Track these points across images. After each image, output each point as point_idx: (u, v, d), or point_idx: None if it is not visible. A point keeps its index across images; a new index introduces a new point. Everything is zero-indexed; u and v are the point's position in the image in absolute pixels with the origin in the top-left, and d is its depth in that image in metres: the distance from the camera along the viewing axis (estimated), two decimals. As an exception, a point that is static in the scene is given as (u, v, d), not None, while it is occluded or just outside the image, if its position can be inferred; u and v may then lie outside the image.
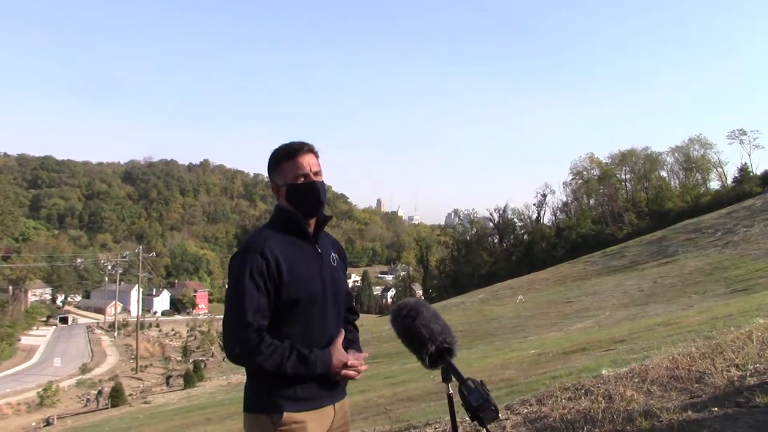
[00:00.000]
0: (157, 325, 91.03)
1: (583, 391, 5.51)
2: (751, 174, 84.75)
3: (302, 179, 2.62)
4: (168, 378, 47.70)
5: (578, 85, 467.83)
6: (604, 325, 23.41)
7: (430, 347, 2.15)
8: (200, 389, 37.02)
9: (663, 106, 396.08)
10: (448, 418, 5.99)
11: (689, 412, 4.16)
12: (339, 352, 2.55)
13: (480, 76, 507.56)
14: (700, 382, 5.00)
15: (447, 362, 2.13)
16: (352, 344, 2.71)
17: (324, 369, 2.49)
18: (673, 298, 30.18)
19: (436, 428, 5.66)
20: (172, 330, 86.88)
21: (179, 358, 60.43)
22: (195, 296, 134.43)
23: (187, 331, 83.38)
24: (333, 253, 2.74)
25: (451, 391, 2.13)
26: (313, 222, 2.67)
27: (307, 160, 2.63)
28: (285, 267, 2.48)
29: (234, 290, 2.47)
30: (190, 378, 41.60)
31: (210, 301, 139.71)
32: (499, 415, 2.04)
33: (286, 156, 2.64)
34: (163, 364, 58.07)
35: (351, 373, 2.57)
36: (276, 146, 2.69)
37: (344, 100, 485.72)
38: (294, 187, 2.62)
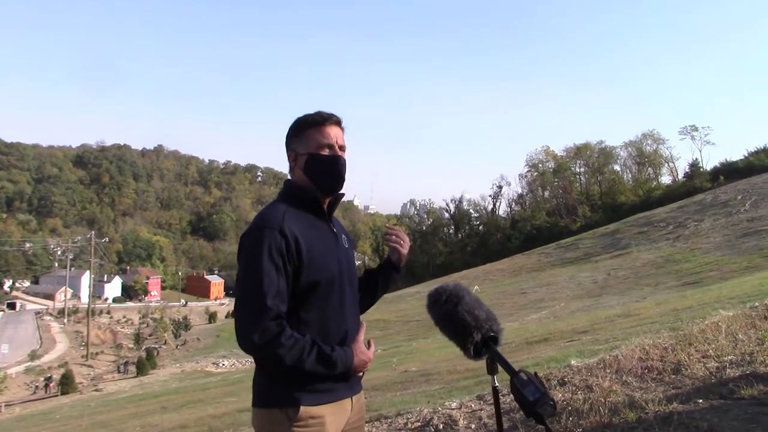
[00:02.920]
0: (109, 312, 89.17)
1: (556, 381, 5.44)
2: (702, 170, 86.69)
3: (327, 150, 2.41)
4: (125, 364, 46.91)
5: (535, 79, 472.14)
6: (560, 316, 23.64)
7: (476, 336, 1.97)
8: (153, 377, 36.53)
9: (618, 101, 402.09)
10: (419, 408, 5.92)
11: (674, 404, 4.11)
12: (362, 351, 2.36)
13: (436, 66, 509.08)
14: (677, 373, 4.96)
15: (493, 352, 1.96)
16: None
17: (344, 369, 2.28)
18: (626, 290, 30.62)
19: (408, 418, 5.53)
20: (124, 317, 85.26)
21: (131, 346, 59.40)
22: (147, 283, 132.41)
23: (140, 319, 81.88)
24: (343, 235, 2.53)
25: (496, 384, 1.96)
26: (326, 200, 2.46)
27: (334, 132, 2.42)
28: (304, 247, 2.25)
29: (250, 271, 2.21)
30: (143, 365, 41.03)
31: (163, 288, 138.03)
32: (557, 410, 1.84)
33: (313, 123, 2.41)
34: (115, 352, 56.98)
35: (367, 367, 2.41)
36: (298, 114, 2.46)
37: (297, 85, 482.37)
38: (316, 158, 2.40)
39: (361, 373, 2.41)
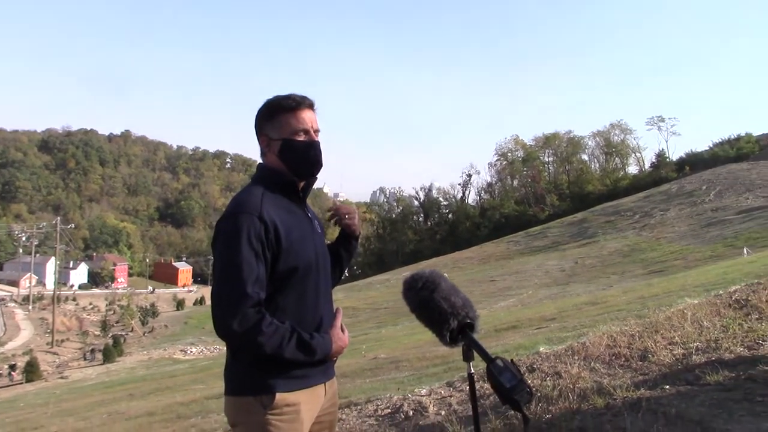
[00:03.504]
0: (75, 299, 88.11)
1: (525, 368, 5.47)
2: (668, 160, 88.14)
3: (302, 136, 2.35)
4: (91, 351, 46.42)
5: (506, 68, 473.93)
6: (528, 304, 23.85)
7: (452, 322, 1.96)
8: (120, 364, 36.24)
9: (587, 92, 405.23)
10: (389, 395, 5.92)
11: (642, 390, 4.15)
12: (339, 338, 2.34)
13: (408, 54, 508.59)
14: (644, 360, 5.01)
15: (470, 339, 1.95)
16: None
17: (323, 356, 2.26)
18: (593, 278, 31.01)
19: (378, 405, 5.53)
20: (90, 304, 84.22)
21: (98, 333, 58.74)
22: (114, 270, 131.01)
23: (106, 306, 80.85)
24: (315, 220, 2.49)
25: (472, 371, 1.95)
26: (300, 185, 2.41)
27: (309, 116, 2.37)
28: (283, 232, 2.21)
29: (229, 258, 2.15)
30: (110, 353, 40.64)
31: (130, 275, 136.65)
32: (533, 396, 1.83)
33: (286, 108, 2.34)
34: (81, 339, 56.22)
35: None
36: (269, 97, 2.40)
37: (266, 70, 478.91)
38: (292, 144, 2.34)
39: (335, 359, 2.39)
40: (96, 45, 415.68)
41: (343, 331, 2.39)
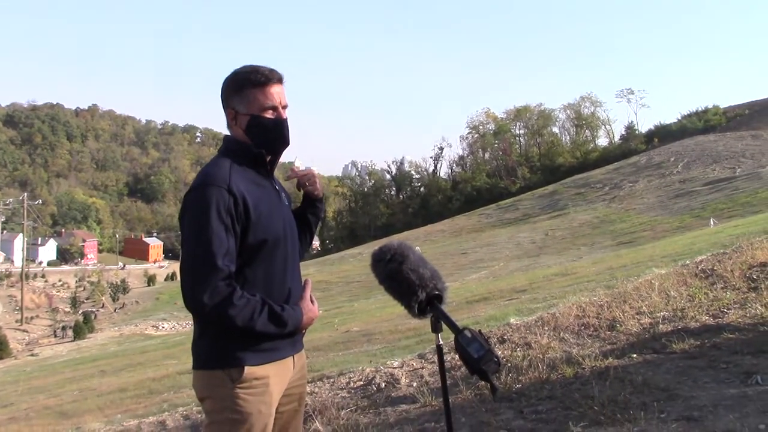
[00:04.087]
0: (43, 276, 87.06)
1: (496, 339, 5.53)
2: (637, 132, 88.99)
3: (270, 112, 2.31)
4: (61, 328, 46.03)
5: (478, 41, 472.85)
6: (499, 276, 24.07)
7: (420, 294, 1.96)
8: (91, 341, 35.95)
9: (556, 64, 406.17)
10: (361, 367, 5.95)
11: (610, 359, 4.23)
12: (309, 309, 2.32)
13: (380, 25, 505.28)
14: (612, 330, 5.10)
15: (438, 310, 1.95)
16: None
17: (294, 328, 2.25)
18: (563, 249, 31.32)
19: (350, 377, 5.56)
20: (60, 281, 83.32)
21: (68, 310, 58.19)
22: (83, 246, 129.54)
23: (76, 282, 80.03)
24: (283, 192, 2.47)
25: (441, 342, 1.96)
26: (268, 157, 2.38)
27: (277, 91, 2.32)
28: (251, 204, 2.19)
29: (198, 231, 2.13)
30: (80, 329, 40.28)
31: (100, 251, 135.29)
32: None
33: (255, 82, 2.30)
34: (51, 316, 55.65)
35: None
36: (235, 68, 2.36)
37: (233, 42, 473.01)
38: (259, 120, 2.30)
39: (304, 331, 2.39)
40: (61, 17, 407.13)
41: (313, 302, 2.38)
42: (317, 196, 2.64)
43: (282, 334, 2.22)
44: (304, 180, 2.59)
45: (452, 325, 1.88)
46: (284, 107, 2.35)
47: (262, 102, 2.30)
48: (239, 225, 2.17)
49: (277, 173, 2.49)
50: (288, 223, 2.39)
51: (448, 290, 2.04)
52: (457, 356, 1.90)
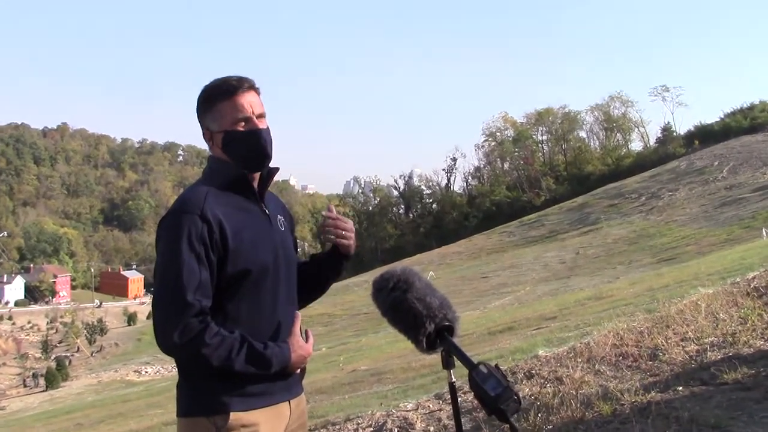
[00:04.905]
0: (11, 318, 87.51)
1: (523, 374, 5.51)
2: (675, 134, 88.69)
3: (243, 124, 2.32)
4: (32, 376, 46.06)
5: (491, 39, 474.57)
6: (525, 302, 24.00)
7: (428, 326, 1.93)
8: (65, 390, 36.07)
9: (582, 61, 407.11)
10: (371, 411, 5.94)
11: (652, 393, 4.20)
12: (300, 346, 2.30)
13: (382, 28, 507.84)
14: (654, 359, 5.07)
15: (449, 343, 1.93)
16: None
17: (281, 367, 2.23)
18: (597, 270, 31.25)
19: (358, 423, 5.54)
20: (29, 322, 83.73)
21: (39, 355, 58.40)
22: (55, 282, 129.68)
23: (47, 324, 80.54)
24: (280, 216, 2.46)
25: (453, 380, 1.94)
26: (257, 177, 2.38)
27: (248, 100, 2.32)
28: (230, 232, 2.20)
29: (168, 263, 2.15)
30: (53, 377, 40.40)
31: (73, 287, 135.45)
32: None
33: (223, 94, 2.31)
34: (20, 363, 55.89)
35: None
36: (206, 83, 2.37)
37: (219, 49, 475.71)
38: (233, 135, 2.31)
39: (298, 371, 2.37)
40: (22, 27, 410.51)
41: (308, 338, 2.37)
42: (348, 252, 2.58)
43: (268, 374, 2.21)
44: (339, 230, 2.50)
45: (466, 360, 1.86)
46: (260, 116, 2.36)
47: (233, 114, 2.30)
48: (215, 255, 2.18)
49: (284, 200, 2.47)
50: (281, 252, 2.37)
51: (460, 320, 2.02)
52: (473, 395, 1.89)
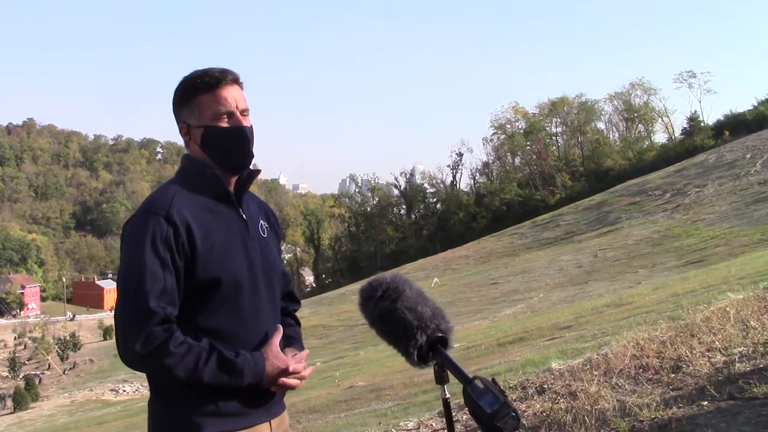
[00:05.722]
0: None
1: (534, 389, 5.53)
2: (702, 124, 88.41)
3: (226, 120, 2.33)
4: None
5: (499, 23, 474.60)
6: (538, 310, 24.02)
7: (420, 337, 1.93)
8: (35, 411, 36.04)
9: (599, 46, 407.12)
10: (369, 431, 5.95)
11: (674, 408, 4.20)
12: (275, 356, 2.27)
13: (380, 12, 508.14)
14: (677, 372, 5.07)
15: (442, 356, 1.93)
16: (292, 342, 2.46)
17: (255, 378, 2.20)
18: (617, 274, 31.28)
19: (354, 445, 5.57)
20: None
21: (5, 374, 58.43)
22: (23, 294, 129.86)
23: (15, 339, 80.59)
24: (262, 221, 2.47)
25: (447, 395, 1.95)
26: (234, 179, 2.39)
27: (232, 94, 2.33)
28: (198, 235, 2.20)
29: (130, 268, 2.16)
30: (22, 398, 40.36)
31: (43, 298, 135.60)
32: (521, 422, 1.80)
33: (204, 87, 2.32)
34: (-16, 382, 55.99)
35: (291, 381, 2.30)
36: (184, 75, 2.39)
37: (204, 39, 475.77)
38: (214, 131, 2.32)
39: (281, 391, 2.35)
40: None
41: (298, 351, 2.38)
42: None
43: (243, 392, 2.20)
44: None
45: (460, 374, 1.86)
46: (244, 112, 2.37)
47: (214, 108, 2.32)
48: (182, 259, 2.18)
49: (275, 200, 2.45)
50: (259, 260, 2.37)
51: (454, 331, 2.02)
52: (468, 411, 1.89)
